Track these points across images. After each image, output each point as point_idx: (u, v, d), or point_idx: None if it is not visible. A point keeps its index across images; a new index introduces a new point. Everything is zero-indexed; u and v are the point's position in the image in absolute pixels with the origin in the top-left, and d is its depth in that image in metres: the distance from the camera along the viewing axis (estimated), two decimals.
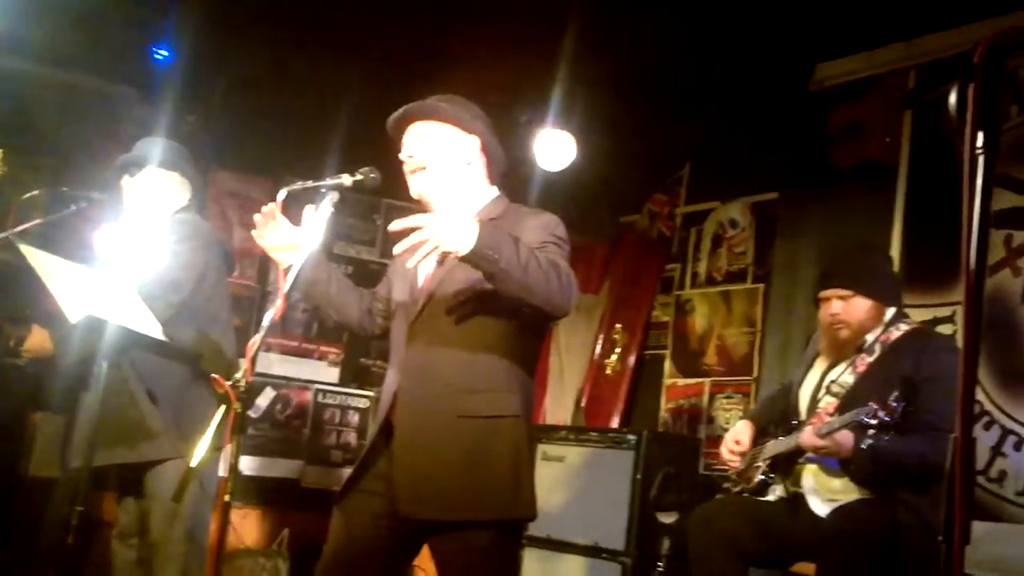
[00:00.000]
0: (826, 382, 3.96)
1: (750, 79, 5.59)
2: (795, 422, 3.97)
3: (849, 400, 3.75)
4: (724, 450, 4.21)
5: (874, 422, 3.45)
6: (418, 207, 3.12)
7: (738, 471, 4.14)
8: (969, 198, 1.34)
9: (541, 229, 2.95)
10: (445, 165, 3.12)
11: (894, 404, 3.45)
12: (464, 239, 2.58)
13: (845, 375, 3.90)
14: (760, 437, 4.15)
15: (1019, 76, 4.79)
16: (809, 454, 3.82)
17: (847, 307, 3.88)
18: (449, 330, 3.00)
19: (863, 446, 3.56)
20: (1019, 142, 4.75)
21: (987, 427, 4.55)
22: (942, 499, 1.38)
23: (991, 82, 1.33)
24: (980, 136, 1.36)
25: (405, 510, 2.91)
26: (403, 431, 2.99)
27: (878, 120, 5.37)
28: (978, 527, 4.01)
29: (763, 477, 4.00)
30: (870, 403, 3.49)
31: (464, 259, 2.62)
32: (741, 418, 4.69)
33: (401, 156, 3.15)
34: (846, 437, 3.62)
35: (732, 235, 6.19)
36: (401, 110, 3.19)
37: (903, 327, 3.90)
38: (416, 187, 3.13)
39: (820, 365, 4.07)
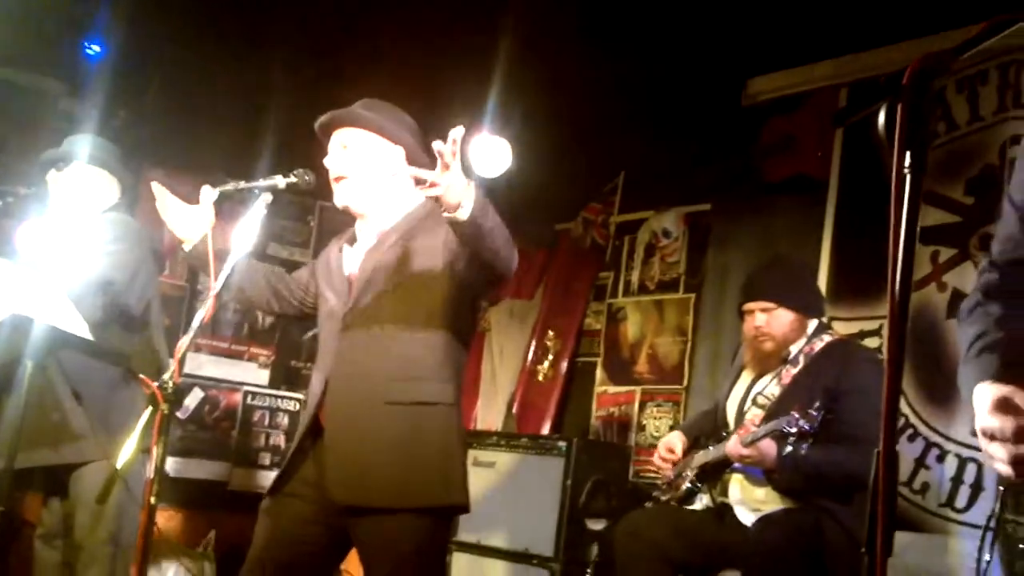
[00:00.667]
0: (752, 394, 4.01)
1: (685, 91, 5.64)
2: (724, 433, 4.02)
3: (775, 411, 3.80)
4: (656, 458, 4.25)
5: (794, 430, 3.50)
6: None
7: (668, 480, 4.18)
8: (896, 216, 1.36)
9: None
10: (368, 175, 3.11)
11: (814, 413, 3.50)
12: (466, 202, 2.61)
13: (771, 386, 3.95)
14: (692, 448, 4.19)
15: (947, 95, 4.90)
16: (736, 464, 3.87)
17: (770, 320, 3.94)
18: (382, 318, 3.01)
19: (784, 454, 3.62)
20: (947, 160, 4.84)
21: (911, 439, 4.63)
22: (865, 509, 1.40)
23: (918, 103, 1.36)
24: (908, 155, 1.39)
25: (334, 495, 2.92)
26: (334, 420, 2.99)
27: (810, 135, 5.44)
28: (901, 538, 4.09)
29: (690, 486, 4.03)
30: (792, 412, 3.54)
31: (456, 222, 2.65)
32: (672, 428, 4.73)
33: (325, 163, 3.14)
34: (769, 446, 3.67)
35: (665, 245, 6.23)
36: (327, 116, 3.18)
37: (826, 338, 3.96)
38: (338, 196, 3.13)
39: (746, 377, 4.12)
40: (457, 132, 2.56)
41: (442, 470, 2.93)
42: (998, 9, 2.10)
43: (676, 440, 4.22)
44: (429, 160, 3.19)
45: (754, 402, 3.96)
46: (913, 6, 4.73)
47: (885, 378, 1.39)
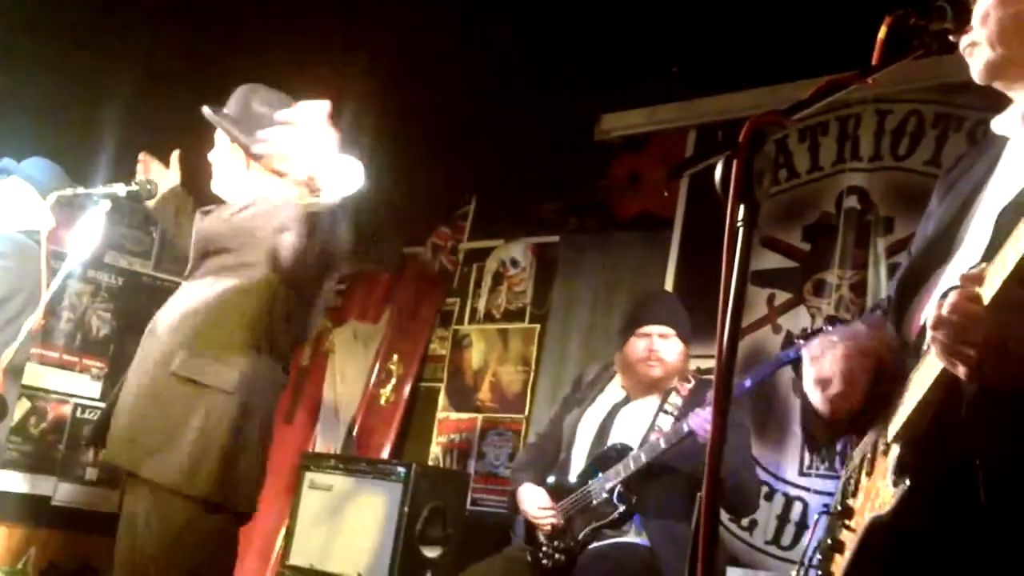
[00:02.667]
0: (641, 413, 4.00)
1: (539, 122, 5.69)
2: (611, 451, 3.92)
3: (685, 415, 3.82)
4: (534, 518, 3.99)
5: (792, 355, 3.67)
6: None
7: (558, 526, 3.96)
8: (727, 268, 1.40)
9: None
10: (221, 172, 3.21)
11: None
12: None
13: (673, 397, 3.96)
14: (555, 485, 4.07)
15: (789, 144, 5.08)
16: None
17: (665, 346, 3.96)
18: (205, 286, 3.02)
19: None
20: (787, 206, 5.02)
21: None
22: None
23: (752, 160, 1.41)
24: (741, 209, 1.43)
25: (104, 453, 2.96)
26: (131, 375, 3.00)
27: (656, 175, 5.57)
28: (728, 573, 4.19)
29: (622, 508, 3.83)
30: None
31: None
32: (512, 456, 4.66)
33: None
34: None
35: (513, 274, 6.28)
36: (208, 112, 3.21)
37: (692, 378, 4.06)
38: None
39: (606, 400, 4.12)
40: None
41: (192, 459, 2.86)
42: (839, 62, 2.20)
43: (538, 493, 4.04)
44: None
45: (662, 410, 3.95)
46: (761, 56, 4.89)
47: (711, 422, 1.42)
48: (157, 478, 2.84)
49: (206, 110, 3.15)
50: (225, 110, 3.20)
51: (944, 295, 1.45)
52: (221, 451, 2.89)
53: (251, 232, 3.00)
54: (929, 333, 1.46)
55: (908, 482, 1.56)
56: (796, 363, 3.50)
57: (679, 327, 4.00)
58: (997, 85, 1.74)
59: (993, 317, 1.39)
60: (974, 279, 1.42)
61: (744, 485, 3.82)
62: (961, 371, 1.44)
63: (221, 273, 3.00)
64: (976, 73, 1.72)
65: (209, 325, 2.94)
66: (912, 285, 1.81)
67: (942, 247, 1.79)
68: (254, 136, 3.10)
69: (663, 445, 3.71)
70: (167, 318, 3.00)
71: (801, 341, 3.48)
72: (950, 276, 1.71)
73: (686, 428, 3.65)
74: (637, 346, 3.98)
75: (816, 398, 1.78)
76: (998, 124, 1.83)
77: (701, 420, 3.59)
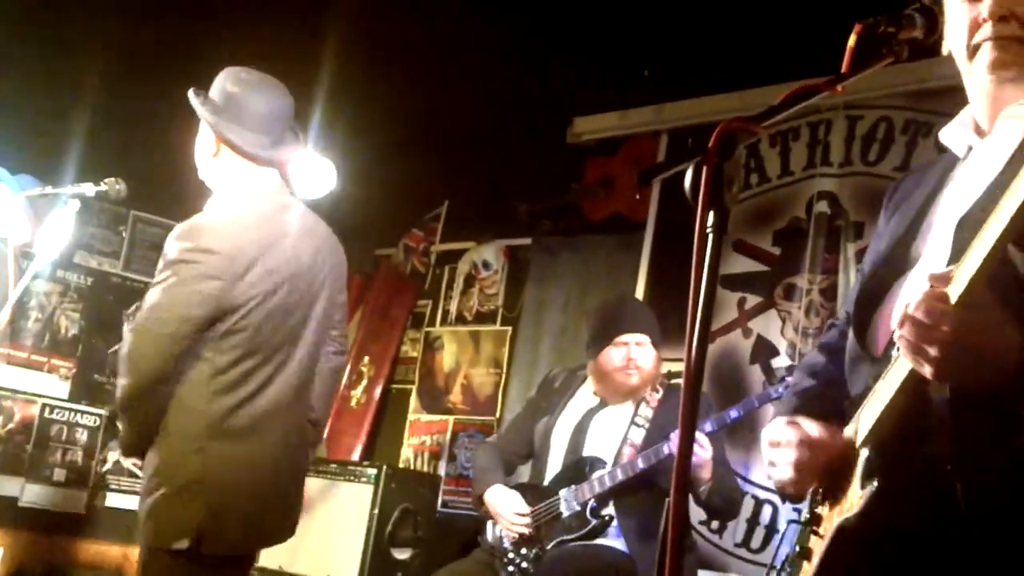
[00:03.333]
0: (616, 420, 4.00)
1: (512, 124, 5.69)
2: (584, 465, 3.92)
3: (654, 430, 3.85)
4: (510, 524, 3.95)
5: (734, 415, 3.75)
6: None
7: (529, 534, 3.93)
8: (697, 275, 1.40)
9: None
10: (199, 161, 3.16)
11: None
12: None
13: (643, 408, 3.97)
14: (533, 487, 4.06)
15: (760, 149, 5.11)
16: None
17: (643, 353, 3.96)
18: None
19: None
20: (758, 210, 5.04)
21: None
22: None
23: (721, 166, 1.41)
24: (711, 215, 1.43)
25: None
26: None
27: (628, 178, 5.58)
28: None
29: (596, 521, 3.82)
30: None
31: None
32: (476, 467, 4.57)
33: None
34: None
35: (485, 276, 6.28)
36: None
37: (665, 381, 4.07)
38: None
39: (578, 406, 4.11)
40: None
41: (168, 510, 2.88)
42: (812, 66, 2.21)
43: (513, 497, 4.00)
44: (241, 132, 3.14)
45: (634, 422, 3.96)
46: (735, 59, 4.91)
47: (679, 428, 1.41)
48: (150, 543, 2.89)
49: (190, 93, 3.11)
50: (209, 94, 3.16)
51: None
52: (187, 497, 2.88)
53: None
54: (896, 331, 1.47)
55: (876, 484, 1.58)
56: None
57: (653, 334, 4.02)
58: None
59: (960, 316, 1.40)
60: (941, 279, 1.43)
61: (731, 494, 3.89)
62: (927, 370, 1.45)
63: None
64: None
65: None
66: (871, 299, 1.82)
67: (899, 260, 1.81)
68: (222, 119, 3.07)
69: (641, 465, 3.73)
70: None
71: (789, 378, 3.53)
72: (911, 287, 1.72)
73: (666, 451, 3.66)
74: (614, 355, 3.97)
75: (773, 478, 1.85)
76: (947, 134, 1.85)
77: None
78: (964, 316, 1.40)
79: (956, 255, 1.49)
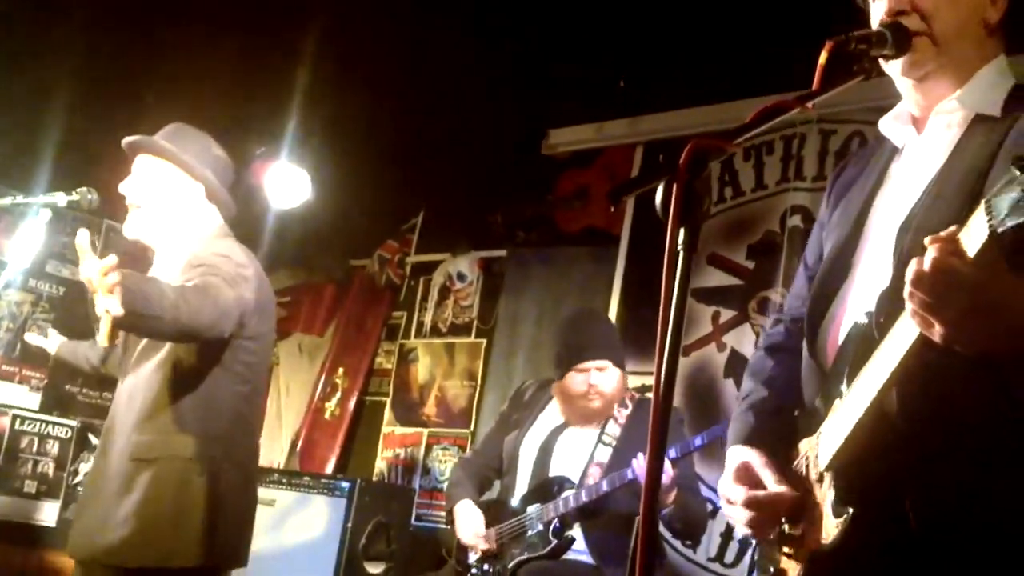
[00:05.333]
0: (581, 440, 3.99)
1: (487, 136, 5.68)
2: (552, 485, 3.91)
3: (623, 448, 3.85)
4: (466, 540, 4.00)
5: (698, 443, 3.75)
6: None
7: (490, 550, 3.97)
8: (667, 291, 1.39)
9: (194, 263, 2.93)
10: (161, 208, 3.06)
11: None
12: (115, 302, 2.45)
13: (611, 426, 3.96)
14: (498, 505, 4.08)
15: (734, 163, 5.12)
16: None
17: (604, 378, 3.95)
18: (143, 373, 3.00)
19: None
20: (732, 224, 5.04)
21: None
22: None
23: (692, 183, 1.40)
24: (681, 231, 1.42)
25: (70, 551, 2.94)
26: (91, 473, 3.01)
27: (603, 190, 5.58)
28: None
29: (560, 537, 3.83)
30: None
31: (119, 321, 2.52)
32: (448, 482, 4.58)
33: (120, 188, 3.04)
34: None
35: (460, 288, 6.26)
36: (133, 139, 3.09)
37: (635, 395, 4.07)
38: (128, 226, 3.04)
39: (545, 423, 4.10)
40: (81, 237, 2.48)
41: (172, 530, 2.86)
42: (786, 80, 2.21)
43: (474, 515, 4.03)
44: (230, 198, 3.14)
45: (600, 441, 3.95)
46: (710, 73, 4.91)
47: (648, 443, 1.39)
48: (150, 563, 2.86)
49: (167, 142, 3.12)
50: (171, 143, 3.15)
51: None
52: (199, 514, 2.90)
53: None
54: (907, 290, 1.39)
55: (851, 511, 1.57)
56: None
57: (614, 356, 4.00)
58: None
59: (977, 275, 1.34)
60: (947, 241, 1.36)
61: (694, 517, 3.86)
62: (937, 332, 1.38)
63: (146, 347, 3.03)
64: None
65: (155, 401, 2.96)
66: (819, 311, 1.82)
67: (842, 267, 1.81)
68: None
69: (605, 488, 3.73)
70: (118, 412, 3.04)
71: None
72: (855, 298, 1.73)
73: (629, 475, 3.65)
74: (576, 381, 3.96)
75: (735, 516, 1.83)
76: (885, 125, 1.86)
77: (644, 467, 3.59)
78: (980, 275, 1.34)
79: (899, 272, 1.47)
